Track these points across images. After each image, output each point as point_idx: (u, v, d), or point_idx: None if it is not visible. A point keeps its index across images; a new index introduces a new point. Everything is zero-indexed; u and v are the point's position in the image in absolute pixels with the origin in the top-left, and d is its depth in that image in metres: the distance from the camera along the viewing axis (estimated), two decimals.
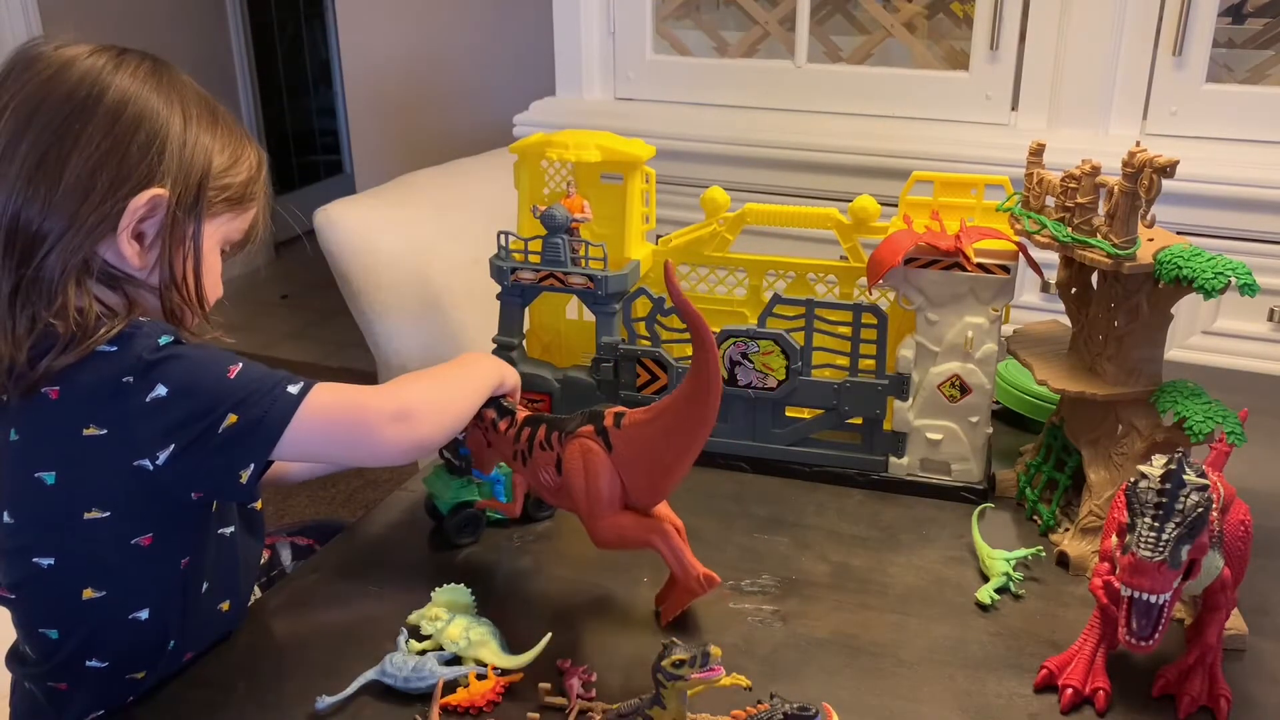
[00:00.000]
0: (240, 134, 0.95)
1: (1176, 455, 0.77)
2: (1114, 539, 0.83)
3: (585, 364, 1.25)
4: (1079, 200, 0.99)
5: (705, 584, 0.92)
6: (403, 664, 0.87)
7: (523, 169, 1.27)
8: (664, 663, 0.73)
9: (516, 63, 2.78)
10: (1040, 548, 1.03)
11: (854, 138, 1.94)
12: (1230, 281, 0.91)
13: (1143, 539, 0.75)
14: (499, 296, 1.23)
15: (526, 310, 1.24)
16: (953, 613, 0.97)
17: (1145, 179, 0.94)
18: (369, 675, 0.87)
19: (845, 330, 1.15)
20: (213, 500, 0.91)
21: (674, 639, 0.75)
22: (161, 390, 0.81)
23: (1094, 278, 1.06)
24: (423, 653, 0.89)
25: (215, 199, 0.91)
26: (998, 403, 1.31)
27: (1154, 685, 0.86)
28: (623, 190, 1.24)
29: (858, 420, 1.18)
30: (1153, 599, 0.76)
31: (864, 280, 1.15)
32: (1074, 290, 1.09)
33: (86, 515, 0.84)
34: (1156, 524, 0.75)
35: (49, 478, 0.84)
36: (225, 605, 0.95)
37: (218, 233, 0.94)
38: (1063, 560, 1.04)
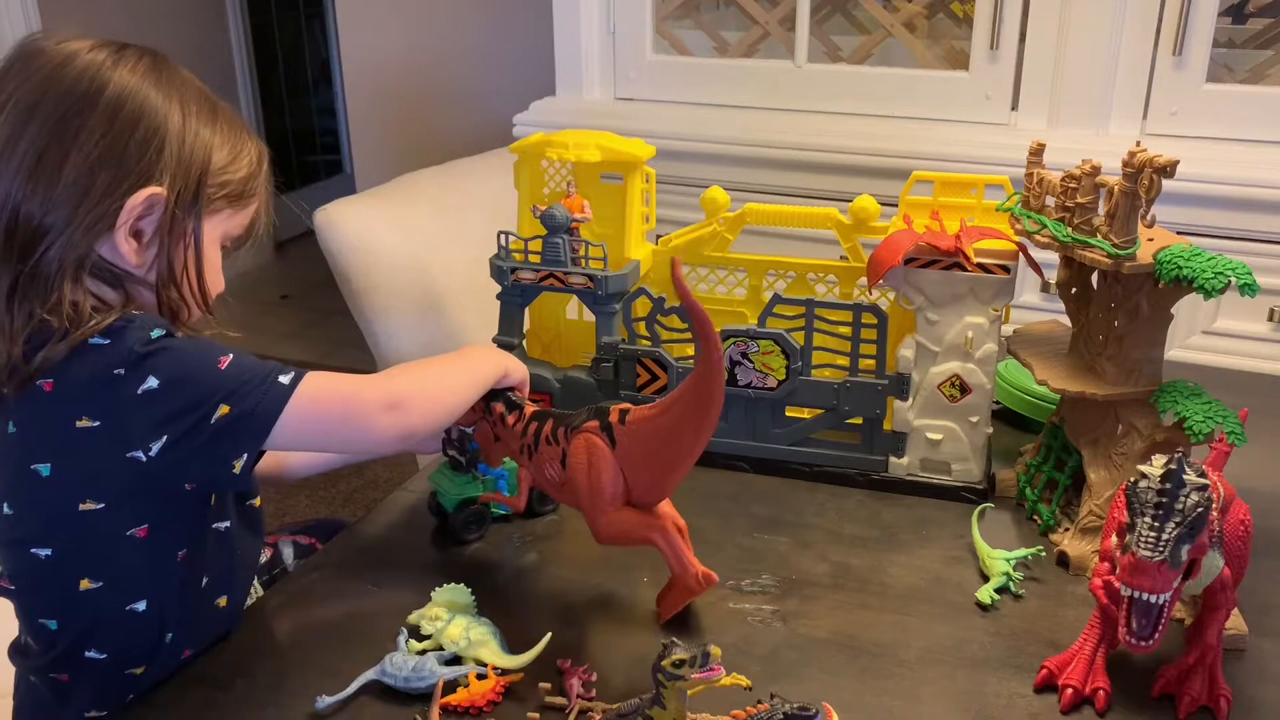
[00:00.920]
0: (241, 129, 0.94)
1: (1176, 455, 0.77)
2: (1114, 539, 0.83)
3: (585, 364, 1.25)
4: (1079, 200, 0.99)
5: (703, 582, 0.92)
6: (403, 664, 0.87)
7: (523, 169, 1.27)
8: (664, 663, 0.73)
9: (516, 63, 2.78)
10: (1040, 548, 1.03)
11: (854, 138, 1.94)
12: (1230, 281, 0.91)
13: (1143, 539, 0.75)
14: (499, 296, 1.23)
15: (526, 310, 1.24)
16: (953, 613, 0.97)
17: (1145, 179, 0.94)
18: (369, 675, 0.87)
19: (845, 330, 1.15)
20: (208, 491, 0.92)
21: (674, 639, 0.75)
22: (153, 382, 0.81)
23: (1094, 278, 1.06)
24: (423, 653, 0.89)
25: (215, 196, 0.91)
26: (998, 403, 1.31)
27: (1154, 685, 0.86)
28: (623, 190, 1.24)
29: (858, 420, 1.18)
30: (1153, 599, 0.76)
31: (864, 280, 1.15)
32: (1074, 290, 1.09)
33: (82, 506, 0.85)
34: (1156, 524, 0.75)
35: (44, 469, 0.84)
36: (223, 601, 0.95)
37: (218, 229, 0.93)
38: (1063, 560, 1.04)
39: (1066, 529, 1.07)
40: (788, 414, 1.20)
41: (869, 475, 1.18)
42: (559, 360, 1.29)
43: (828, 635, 0.94)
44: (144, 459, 0.82)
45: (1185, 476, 0.76)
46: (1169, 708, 0.85)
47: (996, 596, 0.98)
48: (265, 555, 1.19)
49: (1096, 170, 0.98)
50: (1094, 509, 1.03)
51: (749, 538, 1.09)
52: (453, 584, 0.94)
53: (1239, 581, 0.86)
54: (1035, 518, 1.11)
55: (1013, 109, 1.89)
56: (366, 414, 0.89)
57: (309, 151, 5.11)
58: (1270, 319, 1.73)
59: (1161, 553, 0.75)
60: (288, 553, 1.24)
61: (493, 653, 0.89)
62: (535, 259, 1.19)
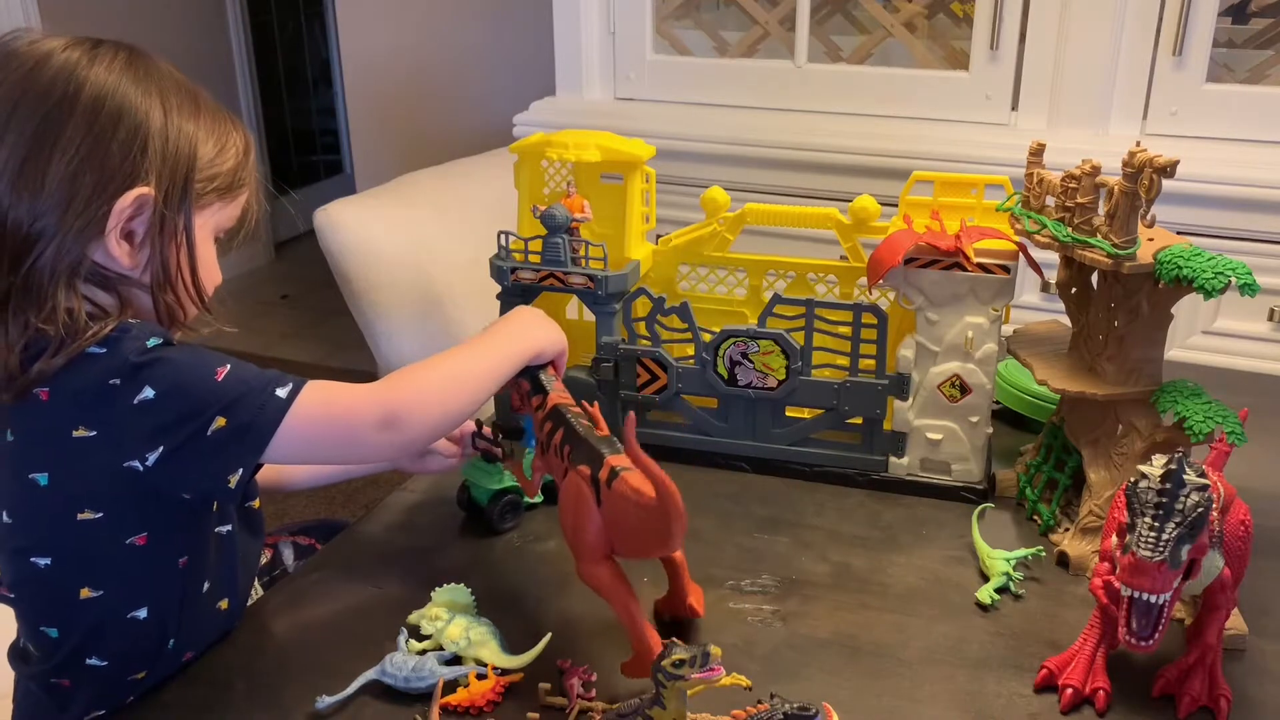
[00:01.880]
0: (224, 119, 0.92)
1: (1176, 455, 0.77)
2: (1114, 539, 0.83)
3: (585, 364, 1.25)
4: (1079, 200, 0.99)
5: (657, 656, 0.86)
6: (403, 664, 0.87)
7: (523, 169, 1.27)
8: (664, 663, 0.73)
9: (516, 63, 2.78)
10: (1040, 548, 1.03)
11: (854, 138, 1.94)
12: (1230, 281, 0.91)
13: (1143, 539, 0.75)
14: (499, 296, 1.23)
15: None
16: (953, 613, 0.97)
17: (1145, 179, 0.94)
18: (369, 675, 0.87)
19: (845, 330, 1.15)
20: (209, 500, 0.91)
21: (674, 639, 0.75)
22: (149, 392, 0.81)
23: (1094, 278, 1.06)
24: (423, 653, 0.89)
25: (204, 190, 0.89)
26: (998, 403, 1.31)
27: (1154, 685, 0.86)
28: (623, 190, 1.24)
29: (858, 420, 1.18)
30: (1153, 599, 0.76)
31: (864, 280, 1.15)
32: (1074, 290, 1.09)
33: (80, 516, 0.84)
34: (1156, 524, 0.75)
35: (42, 479, 0.84)
36: (224, 604, 0.95)
37: (209, 223, 0.92)
38: (1063, 560, 1.04)
39: (1066, 529, 1.07)
40: (788, 414, 1.20)
41: (869, 475, 1.18)
42: None
43: (828, 635, 0.94)
44: (141, 469, 0.82)
45: (1185, 476, 0.76)
46: (1169, 708, 0.85)
47: (996, 596, 0.98)
48: (265, 556, 1.19)
49: (1096, 170, 0.98)
50: (1094, 509, 1.03)
51: (749, 538, 1.09)
52: (453, 584, 0.94)
53: (1239, 581, 0.86)
54: (1035, 518, 1.11)
55: (1013, 109, 1.89)
56: (361, 433, 0.88)
57: (309, 151, 5.11)
58: (1270, 319, 1.73)
59: (1161, 553, 0.75)
60: (287, 553, 1.24)
61: (493, 653, 0.89)
62: (535, 259, 1.19)
